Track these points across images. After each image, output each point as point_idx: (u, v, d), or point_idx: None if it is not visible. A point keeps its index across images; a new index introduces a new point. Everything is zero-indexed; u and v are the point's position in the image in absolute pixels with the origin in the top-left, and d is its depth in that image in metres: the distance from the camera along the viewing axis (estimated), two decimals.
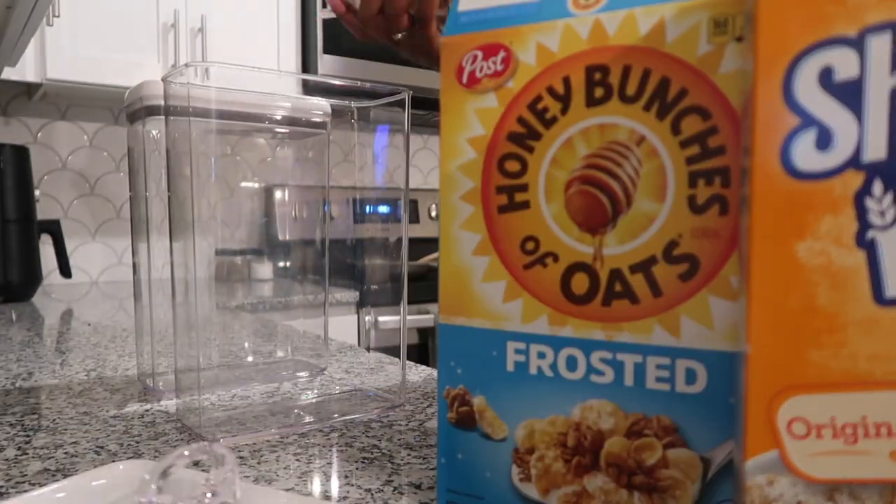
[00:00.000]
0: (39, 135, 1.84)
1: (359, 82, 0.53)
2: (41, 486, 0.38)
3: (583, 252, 0.31)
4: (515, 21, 0.32)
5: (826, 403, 0.19)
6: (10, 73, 1.51)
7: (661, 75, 0.29)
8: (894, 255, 0.18)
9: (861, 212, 0.18)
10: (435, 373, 0.67)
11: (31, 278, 1.44)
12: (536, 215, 0.32)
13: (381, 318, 1.65)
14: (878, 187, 0.18)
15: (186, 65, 0.45)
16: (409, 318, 1.60)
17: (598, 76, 0.30)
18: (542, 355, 0.32)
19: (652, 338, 0.29)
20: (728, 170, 0.27)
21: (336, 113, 0.63)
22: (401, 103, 0.54)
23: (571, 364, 0.31)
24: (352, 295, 1.64)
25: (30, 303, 1.39)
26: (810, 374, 0.19)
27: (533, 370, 0.32)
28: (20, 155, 1.45)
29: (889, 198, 0.18)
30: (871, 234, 0.18)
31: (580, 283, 0.31)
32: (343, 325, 1.63)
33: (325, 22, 1.83)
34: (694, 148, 0.28)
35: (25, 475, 0.40)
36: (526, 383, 0.33)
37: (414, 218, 2.31)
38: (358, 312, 1.67)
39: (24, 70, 1.54)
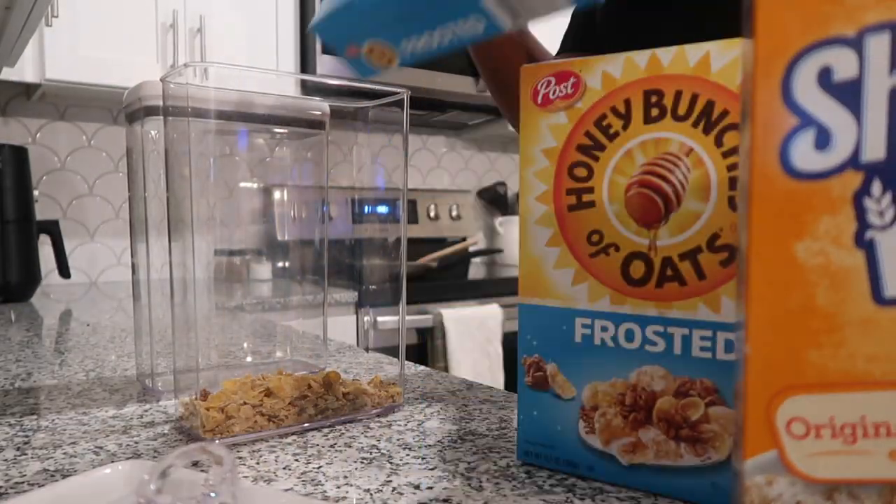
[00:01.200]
0: (38, 135, 1.83)
1: (357, 82, 0.53)
2: (40, 486, 0.38)
3: (640, 243, 0.37)
4: None
5: (825, 403, 0.19)
6: (8, 74, 1.50)
7: (707, 98, 0.35)
8: (893, 254, 0.18)
9: (860, 212, 0.18)
10: (434, 372, 0.67)
11: (30, 279, 1.44)
12: (601, 213, 0.38)
13: (379, 319, 1.65)
14: (876, 187, 0.18)
15: (185, 65, 0.45)
16: (407, 318, 1.60)
17: (654, 99, 0.37)
18: (604, 329, 0.38)
19: (697, 314, 0.36)
20: None
21: (335, 113, 0.63)
22: (399, 104, 0.54)
23: (629, 336, 0.38)
24: (351, 295, 1.64)
25: (29, 303, 1.39)
26: (809, 374, 0.19)
27: (597, 341, 0.39)
28: (19, 155, 1.44)
29: (888, 198, 0.18)
30: (869, 234, 0.18)
31: (637, 269, 0.37)
32: (342, 326, 1.63)
33: None
34: (734, 158, 0.35)
35: (24, 475, 0.40)
36: (591, 352, 0.39)
37: (413, 218, 2.31)
38: (357, 313, 1.67)
39: (23, 70, 1.53)
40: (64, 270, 1.56)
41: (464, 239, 2.42)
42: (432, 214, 2.40)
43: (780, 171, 0.19)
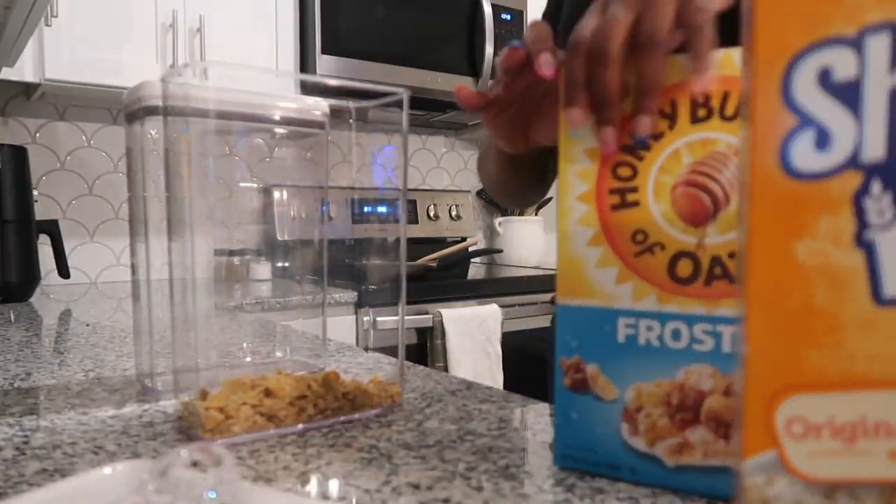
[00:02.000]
0: (38, 135, 1.83)
1: (357, 82, 0.53)
2: (40, 486, 0.38)
3: (687, 242, 0.37)
4: None
5: (824, 403, 0.19)
6: (8, 74, 1.50)
7: None
8: (893, 254, 0.18)
9: (860, 212, 0.18)
10: (433, 372, 0.67)
11: (30, 279, 1.44)
12: (645, 212, 0.38)
13: (379, 319, 1.65)
14: (876, 187, 0.18)
15: (185, 65, 0.45)
16: (407, 318, 1.60)
17: (701, 99, 0.37)
18: (650, 328, 0.38)
19: None
20: None
21: (334, 113, 0.63)
22: (399, 103, 0.54)
23: (676, 335, 0.37)
24: (350, 295, 1.63)
25: (28, 303, 1.39)
26: (808, 374, 0.19)
27: (642, 341, 0.38)
28: (18, 155, 1.44)
29: (888, 197, 0.18)
30: (869, 234, 0.18)
31: (685, 267, 0.37)
32: (342, 326, 1.63)
33: (324, 21, 1.83)
34: None
35: (24, 475, 0.40)
36: (635, 352, 0.38)
37: (413, 218, 2.31)
38: (356, 312, 1.67)
39: (23, 70, 1.53)
40: (63, 270, 1.56)
41: (463, 239, 2.42)
42: (432, 214, 2.40)
43: (780, 171, 0.19)
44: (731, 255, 0.36)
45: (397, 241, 0.56)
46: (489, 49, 2.07)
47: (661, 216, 0.38)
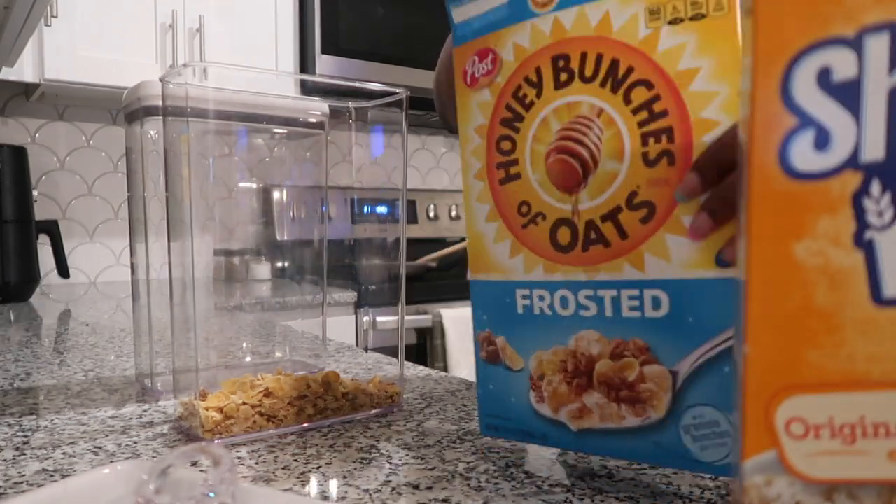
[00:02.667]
0: (37, 135, 1.83)
1: (357, 82, 0.53)
2: (39, 486, 0.38)
3: (563, 209, 0.37)
4: (496, 27, 0.39)
5: (824, 404, 0.19)
6: (7, 74, 1.50)
7: (612, 57, 0.35)
8: (893, 254, 0.18)
9: (859, 212, 0.18)
10: (433, 373, 0.67)
11: (29, 279, 1.44)
12: (526, 183, 0.39)
13: (378, 319, 1.65)
14: (876, 187, 0.18)
15: (185, 65, 0.45)
16: (406, 318, 1.60)
17: (561, 63, 0.37)
18: (541, 298, 0.39)
19: (623, 274, 0.36)
20: (672, 129, 0.34)
21: (334, 113, 0.63)
22: (399, 103, 0.54)
23: (564, 303, 0.38)
24: (350, 295, 1.63)
25: (28, 303, 1.39)
26: (808, 375, 0.19)
27: (536, 311, 0.39)
28: (18, 155, 1.44)
29: (887, 198, 0.18)
30: (869, 234, 0.18)
31: (564, 235, 0.37)
32: (341, 326, 1.63)
33: (323, 21, 1.83)
34: (643, 114, 0.35)
35: (24, 475, 0.40)
36: (532, 322, 0.39)
37: (412, 218, 2.31)
38: (356, 313, 1.67)
39: (22, 70, 1.53)
40: (63, 270, 1.56)
41: (463, 239, 2.42)
42: (431, 214, 2.40)
43: (780, 172, 0.19)
44: (605, 219, 0.36)
45: (397, 241, 0.56)
46: None
47: (539, 185, 0.38)
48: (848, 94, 0.18)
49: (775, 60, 0.19)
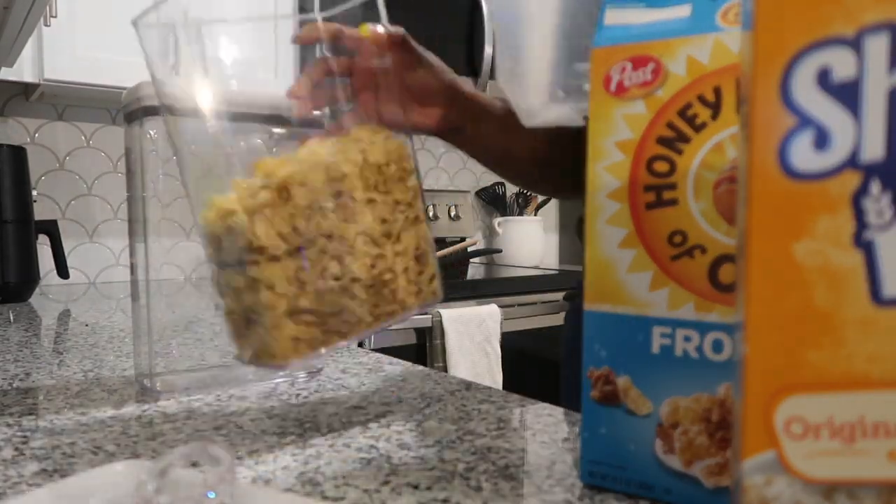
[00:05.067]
0: (37, 135, 1.83)
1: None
2: (39, 486, 0.38)
3: (730, 244, 0.34)
4: (665, 35, 0.35)
5: (824, 403, 0.19)
6: (7, 74, 1.50)
7: None
8: (892, 254, 0.18)
9: (858, 212, 0.18)
10: (432, 372, 0.67)
11: (29, 279, 1.44)
12: (684, 211, 0.35)
13: None
14: (875, 187, 0.18)
15: (182, 64, 0.44)
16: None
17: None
18: (687, 339, 0.35)
19: None
20: None
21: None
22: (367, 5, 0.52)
23: (717, 347, 0.34)
24: None
25: (27, 303, 1.39)
26: (808, 375, 0.19)
27: (678, 352, 0.35)
28: (17, 155, 1.44)
29: (887, 198, 0.18)
30: (868, 234, 0.18)
31: (727, 272, 0.34)
32: None
33: (323, 21, 1.83)
34: None
35: (23, 476, 0.40)
36: (671, 364, 0.35)
37: None
38: None
39: (22, 70, 1.53)
40: (62, 270, 1.55)
41: (462, 239, 2.42)
42: (431, 214, 2.40)
43: (779, 172, 0.19)
44: None
45: None
46: (488, 49, 2.07)
47: (701, 215, 0.34)
48: (847, 94, 0.18)
49: (775, 60, 0.19)
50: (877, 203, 0.18)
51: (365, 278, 0.46)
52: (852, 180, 0.18)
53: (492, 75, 2.12)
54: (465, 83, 0.64)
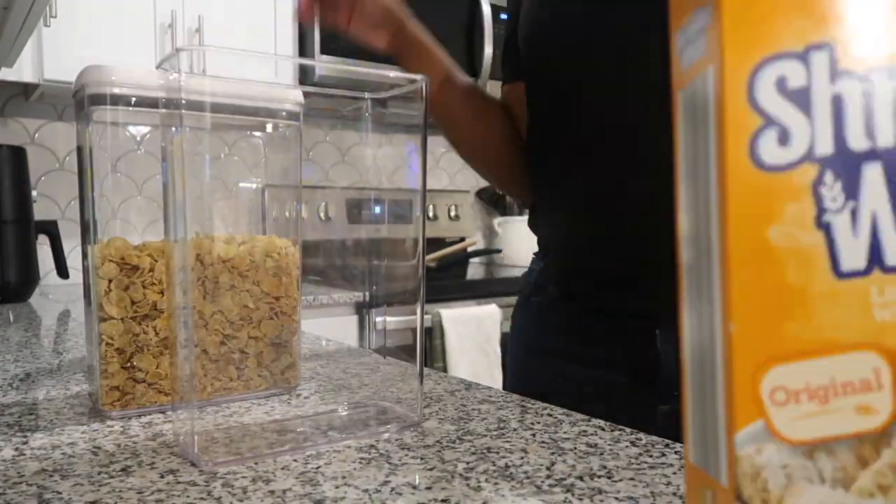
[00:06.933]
0: (37, 135, 1.83)
1: (358, 78, 0.52)
2: (38, 486, 0.38)
3: None
4: None
5: (801, 370, 0.21)
6: (7, 74, 1.50)
7: None
8: (846, 234, 0.21)
9: (818, 198, 0.21)
10: (432, 372, 0.67)
11: (29, 279, 1.44)
12: None
13: (378, 319, 1.65)
14: (829, 177, 0.21)
15: (177, 50, 0.44)
16: (407, 318, 1.60)
17: None
18: None
19: None
20: None
21: (335, 111, 0.62)
22: (418, 92, 0.50)
23: None
24: (349, 296, 1.64)
25: (27, 303, 1.39)
26: (787, 345, 0.21)
27: None
28: (17, 155, 1.44)
29: (838, 185, 0.21)
30: (826, 216, 0.21)
31: None
32: (342, 326, 1.63)
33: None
34: None
35: (23, 476, 0.40)
36: None
37: (411, 218, 2.31)
38: (360, 313, 1.67)
39: (22, 71, 1.53)
40: (62, 271, 1.56)
41: (462, 239, 2.42)
42: (431, 215, 2.40)
43: (751, 165, 0.22)
44: None
45: (402, 240, 0.56)
46: (488, 49, 2.07)
47: None
48: (801, 99, 0.21)
49: (741, 69, 0.22)
50: (831, 190, 0.21)
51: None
52: (811, 171, 0.21)
53: (492, 75, 2.12)
54: (416, 25, 0.76)
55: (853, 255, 0.21)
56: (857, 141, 0.21)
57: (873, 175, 0.21)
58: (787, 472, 0.21)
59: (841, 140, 0.21)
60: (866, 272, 0.21)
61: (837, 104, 0.21)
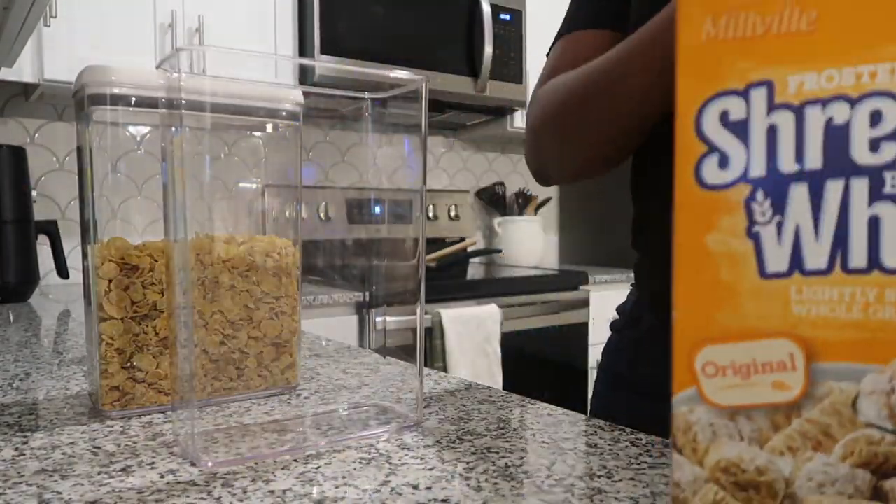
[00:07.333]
0: (37, 135, 1.83)
1: (359, 76, 0.51)
2: (39, 486, 0.38)
3: None
4: None
5: (728, 351, 0.26)
6: (7, 74, 1.50)
7: None
8: (772, 242, 0.25)
9: (749, 212, 0.25)
10: (432, 372, 0.67)
11: (29, 279, 1.44)
12: None
13: (378, 319, 1.65)
14: (760, 195, 0.25)
15: (177, 49, 0.44)
16: (407, 318, 1.60)
17: None
18: None
19: None
20: None
21: (333, 111, 0.62)
22: (411, 94, 0.50)
23: None
24: (349, 296, 1.63)
25: (27, 303, 1.39)
26: (717, 330, 0.26)
27: None
28: (17, 155, 1.44)
29: (767, 202, 0.25)
30: (756, 228, 0.25)
31: None
32: (342, 326, 1.63)
33: (323, 22, 1.83)
34: None
35: (23, 476, 0.40)
36: None
37: (411, 218, 2.31)
38: (360, 313, 1.67)
39: (21, 71, 1.53)
40: (62, 271, 1.56)
41: (462, 239, 2.42)
42: (431, 214, 2.40)
43: (695, 184, 0.26)
44: None
45: (402, 241, 0.56)
46: (488, 49, 2.07)
47: None
48: (740, 130, 0.26)
49: (692, 105, 0.26)
50: (761, 206, 0.25)
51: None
52: (744, 190, 0.26)
53: (492, 75, 2.12)
54: None
55: (777, 260, 0.25)
56: (787, 164, 0.25)
57: (800, 194, 0.25)
58: (713, 429, 0.27)
59: (773, 163, 0.25)
60: (788, 274, 0.25)
61: (772, 133, 0.25)
